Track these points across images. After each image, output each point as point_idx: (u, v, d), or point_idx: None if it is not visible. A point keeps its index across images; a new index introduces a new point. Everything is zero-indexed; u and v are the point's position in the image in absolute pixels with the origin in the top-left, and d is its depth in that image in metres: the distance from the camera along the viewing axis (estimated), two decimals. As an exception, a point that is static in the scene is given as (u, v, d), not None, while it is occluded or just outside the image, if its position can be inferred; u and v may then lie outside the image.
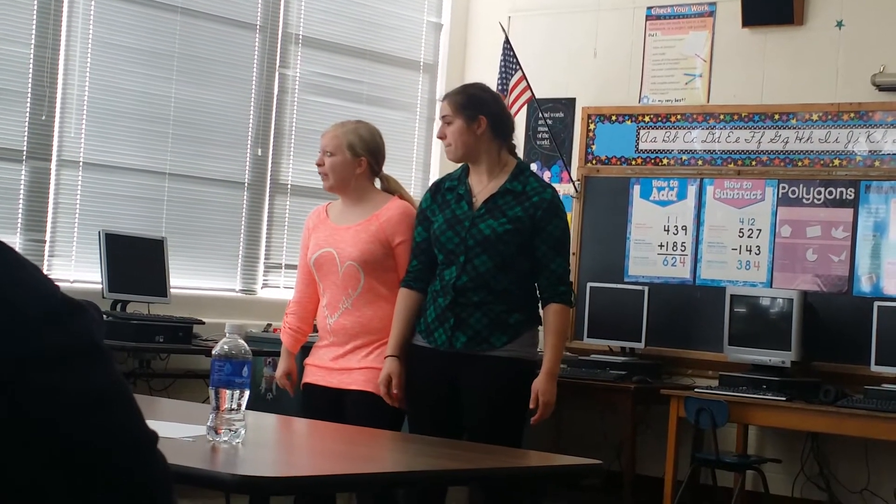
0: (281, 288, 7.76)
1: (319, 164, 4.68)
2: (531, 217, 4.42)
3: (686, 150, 7.82)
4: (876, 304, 6.92)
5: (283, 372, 4.81)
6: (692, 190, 7.76)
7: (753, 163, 7.59)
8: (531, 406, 4.42)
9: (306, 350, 4.84)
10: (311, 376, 4.67)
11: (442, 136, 4.56)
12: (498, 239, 4.41)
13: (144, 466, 1.09)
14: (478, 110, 4.48)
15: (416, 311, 4.53)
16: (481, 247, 4.42)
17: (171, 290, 6.83)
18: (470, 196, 4.51)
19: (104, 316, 6.25)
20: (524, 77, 7.82)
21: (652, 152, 7.94)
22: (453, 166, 4.76)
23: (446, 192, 4.57)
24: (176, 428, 3.04)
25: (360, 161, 4.62)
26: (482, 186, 4.51)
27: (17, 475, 1.03)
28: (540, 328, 4.59)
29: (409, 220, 4.61)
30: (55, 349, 1.04)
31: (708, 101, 7.79)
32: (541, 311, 4.55)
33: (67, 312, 1.07)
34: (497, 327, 4.41)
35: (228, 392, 2.96)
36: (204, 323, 6.74)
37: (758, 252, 7.51)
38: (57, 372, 1.04)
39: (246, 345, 3.02)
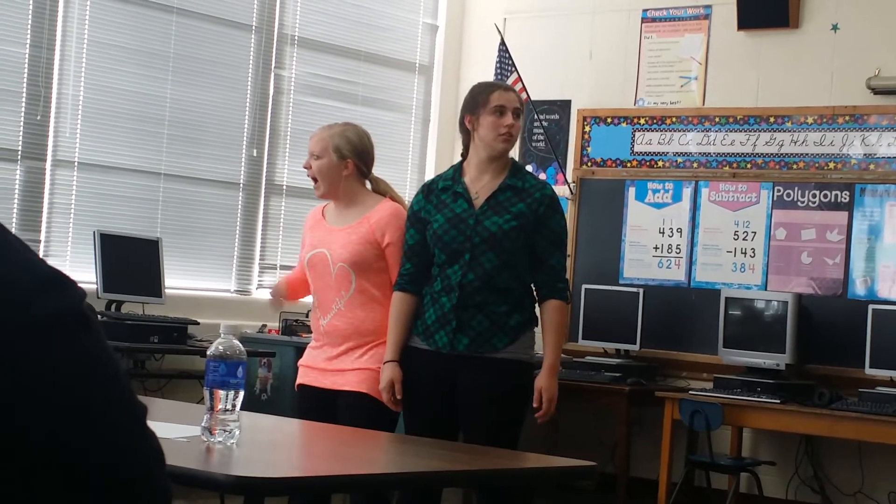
0: (276, 289, 7.75)
1: (307, 168, 4.69)
2: (534, 213, 4.45)
3: (681, 153, 7.83)
4: (870, 307, 6.93)
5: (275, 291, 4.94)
6: (687, 192, 7.77)
7: (748, 165, 7.60)
8: (535, 404, 4.43)
9: (300, 351, 4.85)
10: (305, 377, 4.67)
11: (512, 126, 4.64)
12: (504, 236, 4.42)
13: (128, 450, 1.09)
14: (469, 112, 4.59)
15: (412, 314, 4.53)
16: (487, 244, 4.43)
17: (166, 291, 6.83)
18: (468, 194, 4.52)
19: (99, 316, 6.25)
20: (520, 79, 7.82)
21: (647, 154, 7.94)
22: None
23: (440, 192, 4.57)
24: (170, 428, 3.04)
25: (346, 163, 4.62)
26: (481, 184, 4.53)
27: None
28: (537, 329, 4.59)
29: (399, 221, 4.61)
30: (42, 318, 1.04)
31: (703, 104, 7.80)
32: (537, 307, 4.56)
33: (58, 284, 1.07)
34: (499, 329, 4.42)
35: (223, 393, 2.96)
36: (199, 323, 6.74)
37: (752, 255, 7.52)
38: (37, 343, 1.04)
39: (241, 345, 3.01)
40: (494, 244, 4.43)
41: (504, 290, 4.43)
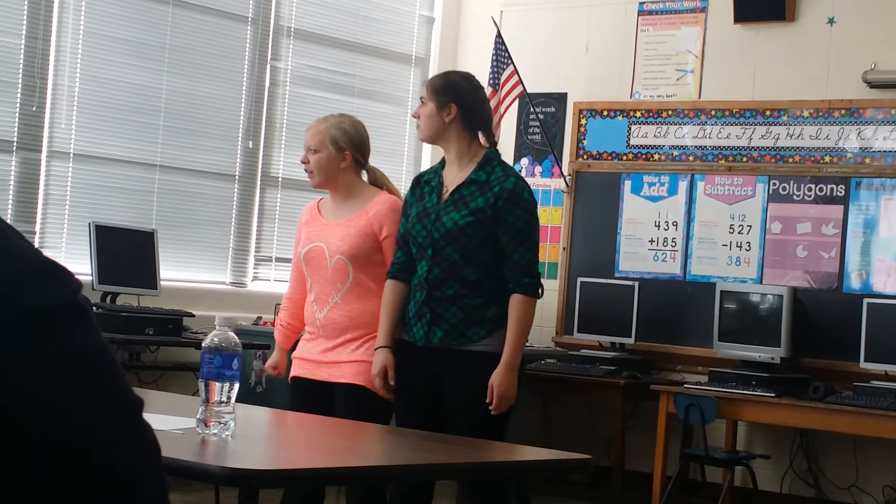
0: (271, 281, 7.75)
1: (304, 162, 4.68)
2: (492, 207, 4.39)
3: (677, 146, 7.83)
4: (865, 300, 6.94)
5: (272, 364, 4.85)
6: (683, 185, 7.77)
7: (744, 159, 7.60)
8: (487, 399, 4.35)
9: (295, 343, 4.84)
10: (300, 370, 4.67)
11: (416, 116, 4.60)
12: (460, 231, 4.39)
13: (125, 446, 1.08)
14: (450, 98, 4.49)
15: (403, 302, 4.52)
16: (445, 239, 4.40)
17: (161, 283, 6.82)
18: (441, 188, 4.51)
19: (94, 308, 6.24)
20: (516, 71, 7.82)
21: (643, 148, 7.94)
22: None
23: (424, 185, 4.58)
24: (165, 420, 3.04)
25: (344, 155, 4.62)
26: (452, 177, 4.51)
27: None
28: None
29: (397, 214, 4.61)
30: (37, 310, 1.03)
31: (699, 97, 7.80)
32: None
33: (54, 274, 1.06)
34: (474, 321, 4.38)
35: (218, 385, 2.95)
36: (194, 315, 6.74)
37: (748, 248, 7.52)
38: (33, 335, 1.02)
39: (236, 337, 3.01)
40: (451, 240, 4.39)
41: (475, 283, 4.39)
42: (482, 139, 4.56)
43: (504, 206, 4.38)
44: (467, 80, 4.67)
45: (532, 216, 4.45)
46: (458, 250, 4.38)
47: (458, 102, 4.49)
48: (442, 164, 4.59)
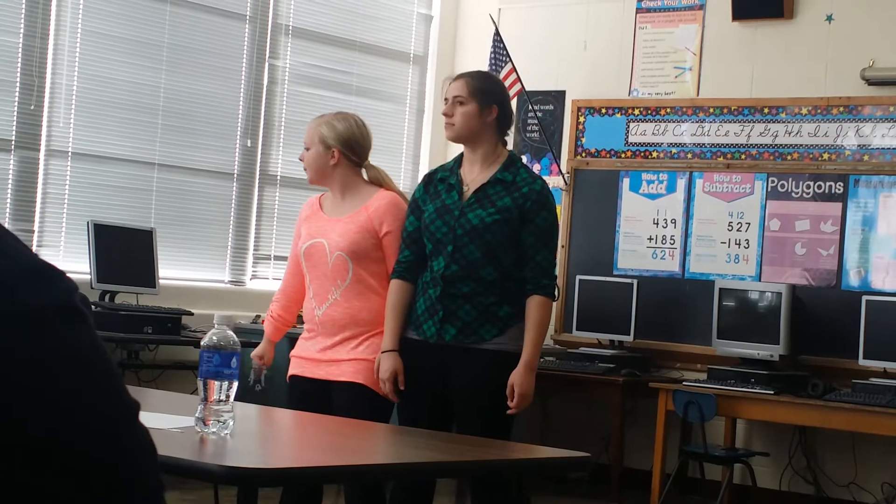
0: (270, 279, 7.75)
1: (301, 159, 4.71)
2: (520, 207, 4.43)
3: (675, 144, 7.83)
4: (864, 297, 6.94)
5: (258, 353, 4.82)
6: (681, 183, 7.77)
7: (743, 156, 7.60)
8: (509, 401, 4.38)
9: (293, 342, 4.84)
10: (298, 368, 4.66)
11: (448, 114, 4.57)
12: (486, 229, 4.41)
13: (121, 447, 1.07)
14: (493, 99, 4.53)
15: (409, 302, 4.53)
16: (469, 236, 4.42)
17: (160, 281, 6.82)
18: (461, 185, 4.52)
19: (93, 307, 6.25)
20: (514, 69, 7.82)
21: (641, 145, 7.94)
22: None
23: (438, 182, 4.58)
24: (164, 419, 3.04)
25: (332, 152, 4.62)
26: (473, 176, 4.53)
27: None
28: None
29: (397, 210, 4.61)
30: (33, 311, 1.03)
31: (697, 95, 7.80)
32: None
33: (48, 275, 1.05)
34: (486, 320, 4.40)
35: (217, 383, 2.95)
36: (193, 314, 6.74)
37: (747, 246, 7.52)
38: (29, 336, 1.02)
39: (234, 336, 3.01)
40: (476, 237, 4.41)
41: (491, 283, 4.41)
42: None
43: (532, 208, 4.42)
44: (500, 82, 4.83)
45: (556, 219, 4.54)
46: (482, 247, 4.40)
47: (499, 105, 4.54)
48: (458, 162, 4.59)
